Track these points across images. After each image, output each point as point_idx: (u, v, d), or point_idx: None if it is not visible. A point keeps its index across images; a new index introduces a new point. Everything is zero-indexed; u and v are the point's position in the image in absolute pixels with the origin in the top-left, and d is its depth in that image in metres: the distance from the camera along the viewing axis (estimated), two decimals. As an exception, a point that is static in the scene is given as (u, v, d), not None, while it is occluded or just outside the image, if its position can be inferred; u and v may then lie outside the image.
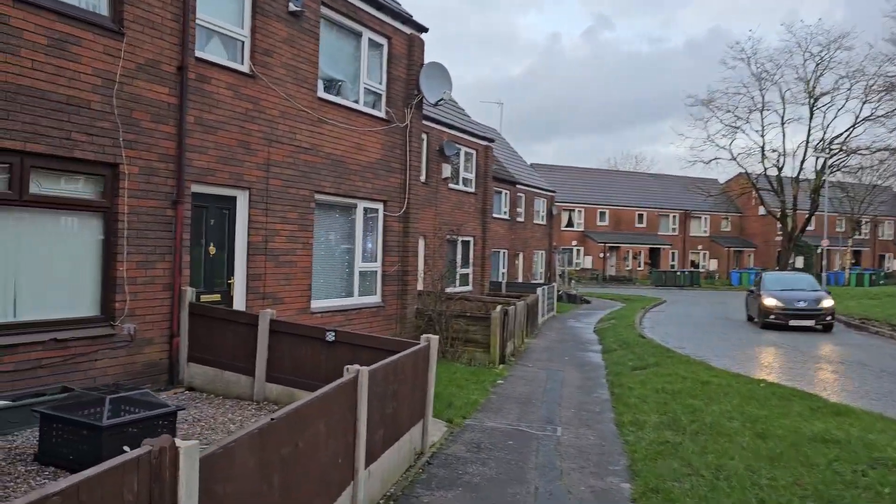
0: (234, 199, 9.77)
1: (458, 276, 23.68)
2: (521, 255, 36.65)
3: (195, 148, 8.95)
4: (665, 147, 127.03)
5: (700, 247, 65.25)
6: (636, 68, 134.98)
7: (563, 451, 7.68)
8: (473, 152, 24.42)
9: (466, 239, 24.17)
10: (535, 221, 38.48)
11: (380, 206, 13.01)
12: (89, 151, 7.64)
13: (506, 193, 34.11)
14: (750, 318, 23.72)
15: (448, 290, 22.77)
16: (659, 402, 9.98)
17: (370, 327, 12.57)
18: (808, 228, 51.72)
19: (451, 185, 22.83)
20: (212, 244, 9.49)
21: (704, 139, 56.55)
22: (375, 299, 12.94)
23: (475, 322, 13.43)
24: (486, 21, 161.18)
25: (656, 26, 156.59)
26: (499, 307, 13.57)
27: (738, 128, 51.47)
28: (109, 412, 5.59)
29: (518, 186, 35.46)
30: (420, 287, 20.99)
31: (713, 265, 64.80)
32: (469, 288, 24.30)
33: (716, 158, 67.45)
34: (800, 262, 61.35)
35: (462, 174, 23.79)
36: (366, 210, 12.68)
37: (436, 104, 13.83)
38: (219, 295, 9.59)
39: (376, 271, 13.03)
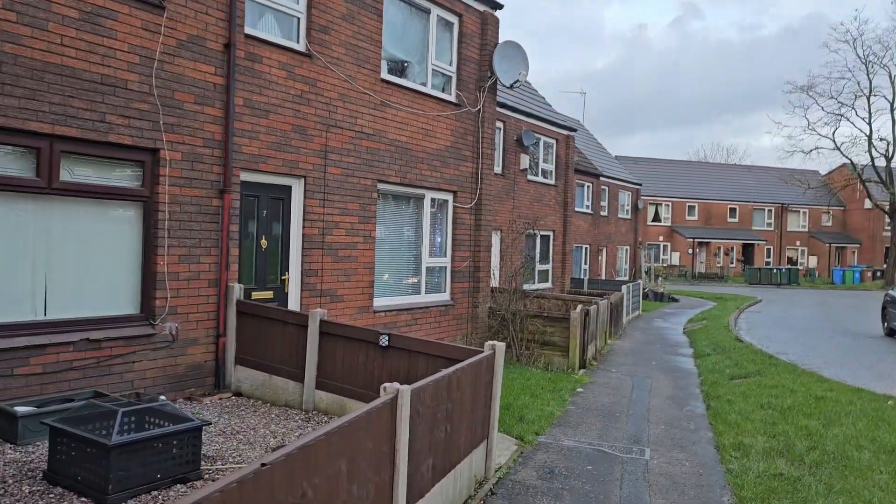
0: (288, 188, 9.04)
1: (536, 273, 22.53)
2: (604, 251, 35.05)
3: (244, 133, 8.24)
4: (757, 140, 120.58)
5: (798, 243, 61.30)
6: (727, 58, 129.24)
7: (653, 480, 6.53)
8: (553, 142, 23.17)
9: (546, 233, 22.97)
10: (619, 216, 36.76)
11: (449, 197, 12.08)
12: (126, 135, 7.02)
13: (588, 186, 32.63)
14: (892, 332, 18.78)
15: (525, 287, 21.72)
16: (765, 420, 8.63)
17: (438, 328, 11.67)
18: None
19: (530, 177, 21.69)
20: (263, 237, 8.79)
21: (804, 128, 53.07)
22: (444, 297, 12.02)
23: (553, 323, 12.31)
24: (569, 13, 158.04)
25: (749, 13, 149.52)
26: (579, 306, 12.41)
27: (841, 115, 48.09)
28: (121, 428, 4.86)
29: (601, 179, 33.89)
30: (495, 284, 20.01)
31: (812, 262, 60.73)
32: (548, 285, 23.09)
33: (817, 148, 63.62)
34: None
35: (541, 165, 22.60)
36: (434, 201, 11.77)
37: (511, 87, 12.77)
38: (271, 292, 8.88)
39: (445, 267, 12.11)
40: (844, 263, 58.98)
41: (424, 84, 11.41)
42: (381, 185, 10.47)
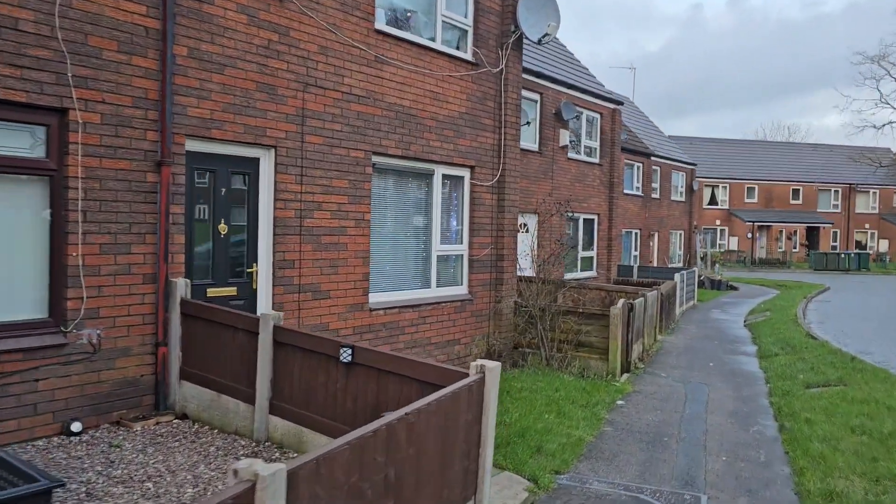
0: (255, 161, 7.40)
1: (579, 260, 20.55)
2: (655, 236, 32.71)
3: (190, 91, 6.62)
4: (820, 119, 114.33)
5: (867, 225, 57.25)
6: (787, 36, 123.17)
7: (713, 553, 4.69)
8: (597, 116, 21.07)
9: (589, 217, 20.94)
10: (672, 198, 34.29)
11: (465, 174, 10.28)
12: (18, 90, 5.46)
13: (638, 166, 30.35)
14: None
15: (567, 276, 19.79)
16: (860, 453, 6.64)
17: (453, 327, 9.93)
18: None
19: (571, 155, 19.67)
20: (222, 221, 7.17)
21: (876, 100, 49.24)
22: (460, 291, 10.26)
23: (589, 320, 10.43)
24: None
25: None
26: (621, 301, 10.49)
27: (918, 86, 44.16)
28: None
29: (653, 159, 31.54)
30: (530, 273, 18.14)
31: (883, 246, 56.69)
32: (592, 273, 21.10)
33: (890, 122, 59.33)
34: None
35: (584, 142, 20.54)
36: (446, 178, 10.00)
37: (539, 42, 10.86)
38: (234, 288, 7.27)
39: (461, 256, 10.34)
40: (919, 247, 54.84)
41: (433, 39, 9.61)
42: (377, 159, 8.75)
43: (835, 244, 55.70)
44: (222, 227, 7.14)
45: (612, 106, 21.54)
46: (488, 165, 10.56)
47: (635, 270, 25.89)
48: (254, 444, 5.79)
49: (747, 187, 55.21)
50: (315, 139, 7.85)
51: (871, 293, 27.77)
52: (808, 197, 56.28)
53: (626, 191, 29.19)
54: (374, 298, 8.77)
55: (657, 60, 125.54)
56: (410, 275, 9.58)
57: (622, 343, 10.45)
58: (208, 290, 6.99)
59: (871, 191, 57.04)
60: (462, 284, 10.32)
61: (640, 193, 30.51)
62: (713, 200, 54.41)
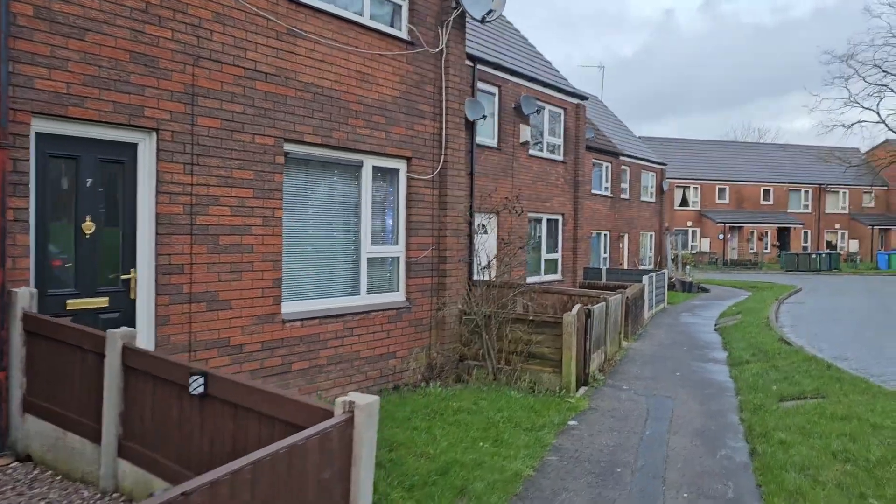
0: (131, 147, 6.21)
1: (542, 263, 19.53)
2: (625, 238, 31.89)
3: (37, 59, 5.43)
4: (790, 123, 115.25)
5: (837, 225, 57.21)
6: (758, 41, 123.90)
7: None
8: (561, 112, 20.08)
9: (553, 217, 19.94)
10: (642, 199, 33.51)
11: (400, 166, 9.17)
12: None
13: (607, 166, 29.50)
14: None
15: (531, 279, 18.77)
16: (845, 486, 5.62)
17: (386, 339, 8.80)
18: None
19: (533, 152, 18.65)
20: (88, 218, 5.97)
21: (845, 100, 49.09)
22: (396, 297, 9.14)
23: (541, 329, 9.36)
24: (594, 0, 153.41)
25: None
26: (576, 307, 9.44)
27: (885, 86, 44.07)
28: None
29: (622, 158, 30.73)
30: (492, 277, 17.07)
31: (853, 246, 56.66)
32: (557, 276, 20.09)
33: (860, 122, 59.45)
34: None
35: (547, 139, 19.53)
36: (378, 170, 8.88)
37: (483, 21, 9.81)
38: (105, 298, 6.07)
39: (397, 258, 9.22)
40: (889, 247, 54.83)
41: (360, 13, 8.49)
42: (291, 147, 7.60)
43: (806, 245, 55.53)
44: (87, 226, 5.94)
45: (576, 101, 20.58)
46: (428, 157, 9.46)
47: (604, 273, 24.99)
48: (98, 495, 4.60)
49: (718, 188, 54.83)
50: (210, 122, 6.68)
51: (843, 294, 27.14)
52: (779, 197, 56.06)
53: (594, 191, 28.32)
54: (290, 308, 7.62)
55: (632, 64, 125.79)
56: (335, 280, 8.42)
57: (578, 354, 9.40)
58: (69, 301, 5.79)
59: (841, 191, 57.02)
60: (398, 290, 9.20)
61: (609, 194, 29.67)
62: (684, 201, 53.95)
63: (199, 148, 6.60)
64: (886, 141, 53.86)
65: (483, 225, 17.27)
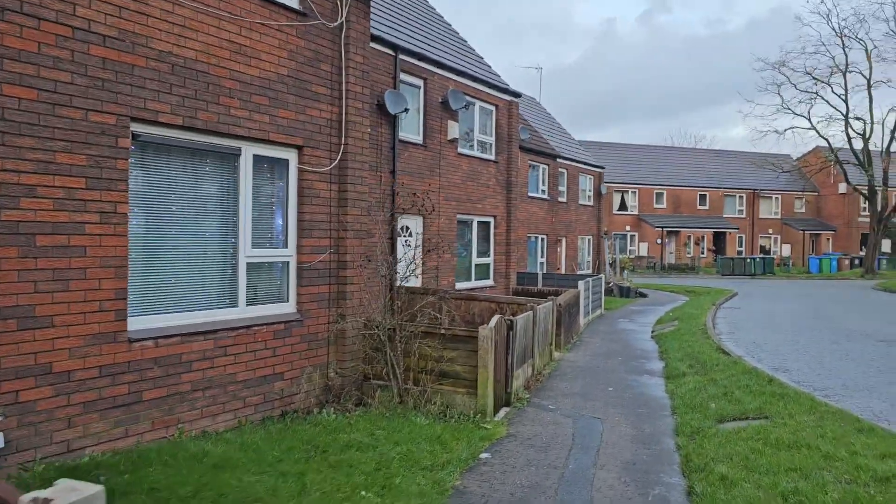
0: None
1: (473, 267, 18.43)
2: (563, 242, 31.16)
3: None
4: (725, 132, 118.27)
5: (771, 230, 58.14)
6: (695, 52, 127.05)
7: None
8: (493, 109, 19.06)
9: (484, 220, 18.87)
10: (580, 202, 32.87)
11: (290, 155, 7.88)
12: None
13: (544, 168, 28.71)
14: None
15: (461, 286, 17.65)
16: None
17: (273, 358, 7.48)
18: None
19: (462, 150, 17.56)
20: None
21: (778, 105, 49.93)
22: (285, 309, 7.83)
23: (455, 343, 8.17)
24: (538, 7, 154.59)
25: (716, 7, 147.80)
26: (494, 318, 8.29)
27: (816, 93, 44.80)
28: None
29: (559, 161, 29.99)
30: (415, 284, 15.86)
31: (786, 251, 57.66)
32: (489, 282, 19.03)
33: (792, 127, 60.72)
34: (886, 245, 54.04)
35: (477, 136, 18.46)
36: (261, 160, 7.56)
37: (390, -8, 8.63)
38: None
39: (287, 263, 7.91)
40: (819, 251, 55.99)
41: (238, -26, 7.18)
42: (139, 128, 6.23)
43: (740, 249, 56.20)
44: None
45: (508, 98, 19.58)
46: (324, 146, 8.18)
47: (540, 278, 24.08)
48: None
49: (656, 192, 55.01)
50: (22, 92, 5.28)
51: (778, 299, 26.92)
52: (715, 202, 56.63)
53: (531, 193, 27.48)
54: (140, 324, 6.23)
55: (574, 73, 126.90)
56: (205, 290, 7.05)
57: (497, 372, 8.26)
58: None
59: (774, 196, 57.98)
60: (288, 301, 7.89)
61: (546, 197, 28.87)
62: (623, 206, 53.91)
63: (5, 124, 5.19)
64: (816, 147, 54.97)
65: (407, 227, 16.09)
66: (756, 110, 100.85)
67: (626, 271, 35.65)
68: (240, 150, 7.24)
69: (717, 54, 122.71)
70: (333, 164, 8.26)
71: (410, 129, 15.72)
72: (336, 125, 8.32)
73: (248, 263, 7.35)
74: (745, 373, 10.63)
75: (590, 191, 34.34)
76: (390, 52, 14.67)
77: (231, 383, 7.03)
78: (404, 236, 15.88)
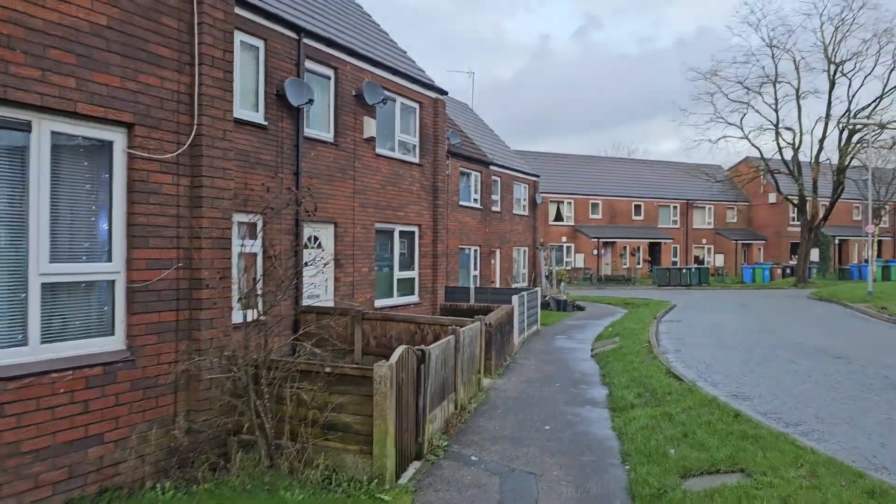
0: None
1: (395, 282, 16.50)
2: (497, 253, 29.54)
3: None
4: (655, 145, 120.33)
5: (704, 241, 58.20)
6: (627, 69, 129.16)
7: None
8: (416, 107, 17.22)
9: (408, 229, 16.98)
10: (515, 212, 31.36)
11: (115, 136, 5.80)
12: None
13: (476, 175, 27.06)
14: None
15: (381, 303, 15.69)
16: None
17: (84, 414, 5.36)
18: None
19: (381, 151, 15.66)
20: None
21: (711, 115, 49.90)
22: (106, 346, 5.71)
23: (344, 385, 6.21)
24: (473, 23, 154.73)
25: (646, 26, 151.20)
26: (398, 351, 6.38)
27: (747, 103, 44.73)
28: None
29: (492, 168, 28.41)
30: (328, 303, 13.84)
31: (719, 260, 57.78)
32: (414, 299, 17.12)
33: (725, 136, 61.02)
34: (814, 254, 54.63)
35: (399, 136, 16.58)
36: (63, 139, 5.47)
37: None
38: None
39: (113, 282, 5.82)
40: (751, 261, 56.26)
41: None
42: None
43: (675, 259, 55.98)
44: None
45: (433, 95, 17.79)
46: (168, 126, 6.14)
47: (472, 293, 22.29)
48: None
49: (592, 203, 54.28)
50: None
51: (718, 311, 25.87)
52: (650, 213, 56.31)
53: (462, 202, 25.77)
54: None
55: (509, 87, 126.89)
56: (-29, 323, 4.92)
57: (403, 419, 6.33)
58: None
59: (707, 206, 58.11)
60: (113, 333, 5.79)
61: (478, 206, 27.21)
62: (559, 216, 52.94)
63: None
64: (748, 158, 55.32)
65: (316, 237, 14.05)
66: (690, 119, 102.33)
67: (562, 284, 34.30)
68: (29, 124, 5.14)
69: (647, 71, 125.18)
70: (181, 149, 6.22)
71: (319, 126, 13.74)
72: (187, 99, 6.29)
73: (43, 284, 5.24)
74: (703, 404, 9.02)
75: (525, 200, 32.92)
76: (293, 34, 12.69)
77: (13, 455, 4.89)
78: (313, 247, 13.85)
